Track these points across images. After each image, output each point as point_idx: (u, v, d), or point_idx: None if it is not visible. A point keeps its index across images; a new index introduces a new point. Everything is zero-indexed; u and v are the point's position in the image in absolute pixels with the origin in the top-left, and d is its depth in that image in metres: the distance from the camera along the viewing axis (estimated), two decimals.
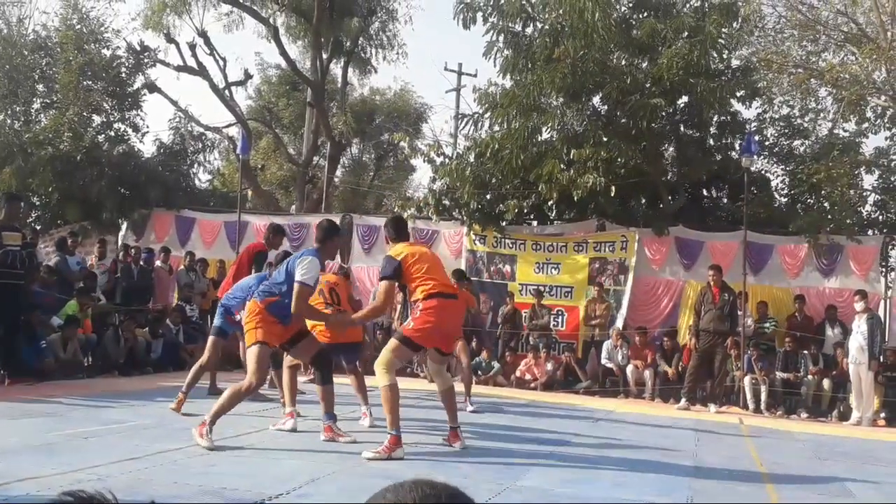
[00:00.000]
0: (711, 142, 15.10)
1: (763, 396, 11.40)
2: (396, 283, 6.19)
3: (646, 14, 13.96)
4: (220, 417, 5.81)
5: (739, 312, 11.55)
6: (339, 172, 26.87)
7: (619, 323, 13.34)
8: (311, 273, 5.75)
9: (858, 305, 11.13)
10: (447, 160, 14.79)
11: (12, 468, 4.61)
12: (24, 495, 4.06)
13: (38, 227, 15.87)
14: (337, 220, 15.90)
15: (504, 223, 14.22)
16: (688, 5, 14.36)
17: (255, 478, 4.83)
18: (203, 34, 21.12)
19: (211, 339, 7.74)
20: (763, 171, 15.33)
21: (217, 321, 7.71)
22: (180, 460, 5.19)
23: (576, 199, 13.14)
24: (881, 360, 11.31)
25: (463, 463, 5.72)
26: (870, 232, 14.30)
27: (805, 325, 12.63)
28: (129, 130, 17.86)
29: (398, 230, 6.45)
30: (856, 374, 10.88)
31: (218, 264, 14.41)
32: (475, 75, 27.93)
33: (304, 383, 9.54)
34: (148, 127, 18.17)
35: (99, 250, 13.32)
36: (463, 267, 14.37)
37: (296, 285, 5.68)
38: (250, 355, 5.90)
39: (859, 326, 10.99)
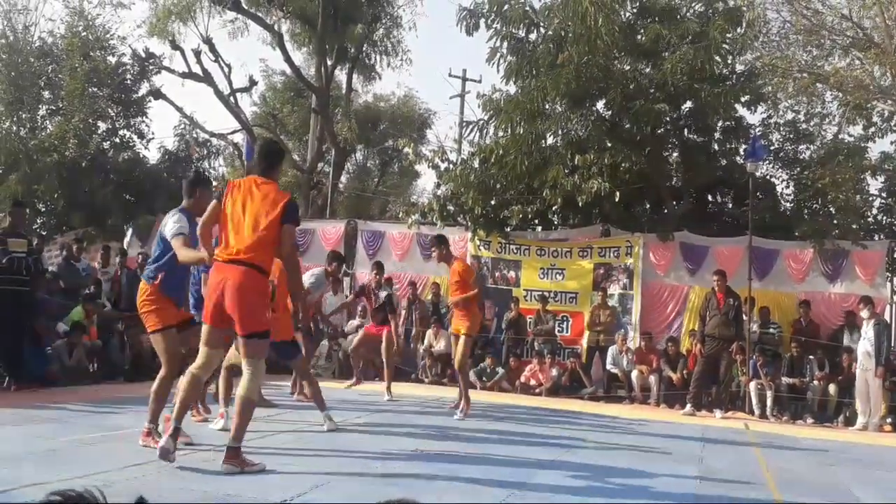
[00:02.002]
0: (716, 147, 15.09)
1: (769, 402, 11.37)
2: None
3: (650, 19, 13.97)
4: (158, 419, 5.72)
5: (745, 318, 11.53)
6: (343, 178, 26.91)
7: (631, 333, 13.30)
8: (180, 224, 5.42)
9: (864, 312, 11.10)
10: (451, 166, 14.81)
11: (17, 474, 4.61)
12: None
13: (44, 234, 15.93)
14: (341, 226, 15.97)
15: (508, 229, 14.22)
16: (692, 10, 14.37)
17: (259, 483, 4.83)
18: (208, 41, 21.18)
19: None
20: (768, 176, 15.32)
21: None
22: (185, 466, 5.19)
23: (580, 204, 13.15)
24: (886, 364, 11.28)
25: (468, 468, 5.70)
26: (875, 237, 14.26)
27: (810, 330, 12.60)
28: (135, 137, 17.96)
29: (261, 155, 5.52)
30: (863, 380, 10.85)
31: None
32: (479, 81, 27.98)
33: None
34: (153, 133, 18.28)
35: (102, 257, 13.34)
36: None
37: (172, 241, 5.38)
38: (156, 345, 5.65)
39: (866, 333, 10.97)
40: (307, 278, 8.86)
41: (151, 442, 5.63)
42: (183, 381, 5.21)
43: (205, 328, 5.20)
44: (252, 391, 5.18)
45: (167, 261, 5.52)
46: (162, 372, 5.66)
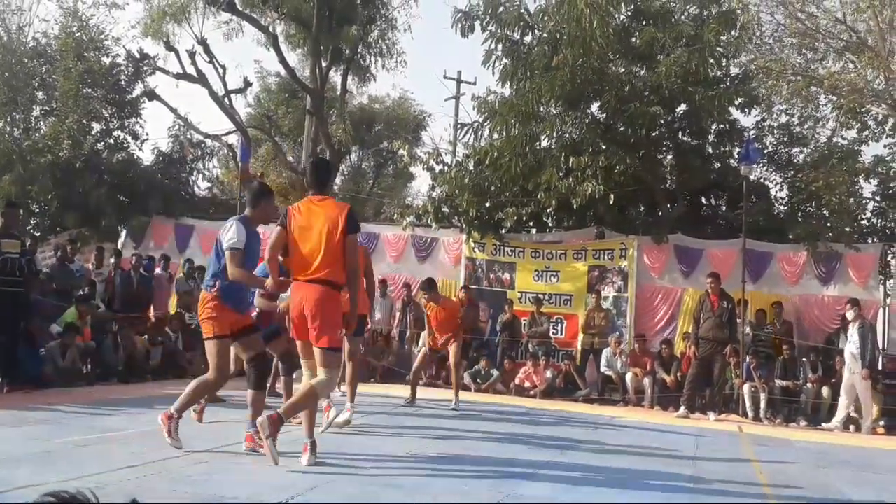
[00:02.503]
0: (710, 150, 15.12)
1: (762, 404, 11.39)
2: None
3: (644, 22, 14.00)
4: (183, 413, 5.81)
5: (738, 320, 11.55)
6: (338, 180, 26.89)
7: (626, 336, 13.32)
8: (238, 236, 5.51)
9: (850, 314, 11.15)
10: (446, 168, 14.81)
11: (10, 476, 4.60)
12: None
13: (37, 235, 15.88)
14: None
15: (503, 231, 14.23)
16: (686, 13, 14.40)
17: (253, 485, 4.82)
18: (202, 42, 21.12)
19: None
20: (762, 179, 15.35)
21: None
22: (179, 468, 5.18)
23: (575, 206, 13.16)
24: (879, 366, 11.31)
25: (463, 471, 5.71)
26: (869, 240, 14.31)
27: (783, 331, 12.63)
28: (129, 138, 17.89)
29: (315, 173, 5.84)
30: (849, 382, 10.89)
31: None
32: (474, 83, 28.00)
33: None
34: (147, 134, 18.21)
35: (96, 258, 13.31)
36: (462, 275, 14.40)
37: (226, 253, 5.49)
38: (208, 350, 5.72)
39: (851, 335, 11.01)
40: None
41: (164, 425, 5.65)
42: (302, 394, 5.41)
43: (297, 344, 5.61)
44: (323, 389, 5.57)
45: (224, 269, 5.56)
46: (208, 375, 5.75)
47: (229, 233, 5.53)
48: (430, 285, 10.15)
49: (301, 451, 5.51)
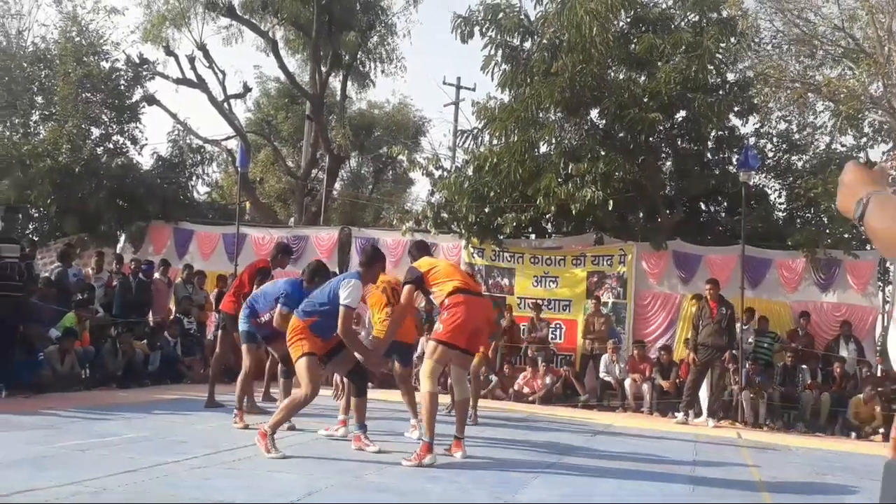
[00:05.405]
0: (709, 156, 15.13)
1: (761, 410, 11.38)
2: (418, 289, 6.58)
3: (644, 29, 14.02)
4: (278, 429, 6.13)
5: (743, 326, 11.58)
6: (337, 185, 26.89)
7: (624, 341, 13.32)
8: (355, 296, 6.04)
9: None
10: (445, 174, 14.82)
11: (8, 481, 4.59)
12: None
13: (36, 239, 15.87)
14: (335, 233, 15.97)
15: (502, 237, 14.21)
16: (686, 20, 14.43)
17: (250, 490, 4.82)
18: (202, 47, 21.17)
19: (244, 346, 7.76)
20: (761, 186, 15.36)
21: (243, 326, 7.66)
22: (176, 473, 5.17)
23: (574, 212, 13.16)
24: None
25: (461, 476, 5.70)
26: (867, 246, 14.31)
27: (805, 341, 12.63)
28: (128, 143, 17.91)
29: (420, 250, 7.14)
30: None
31: (220, 279, 13.97)
32: (474, 89, 28.06)
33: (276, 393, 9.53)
34: (147, 139, 18.23)
35: (96, 263, 13.30)
36: None
37: (341, 308, 5.97)
38: (300, 368, 6.09)
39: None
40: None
41: (261, 444, 5.93)
42: (426, 400, 6.12)
43: (456, 355, 6.26)
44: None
45: (326, 311, 6.10)
46: (300, 392, 6.07)
47: (350, 290, 6.00)
48: None
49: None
